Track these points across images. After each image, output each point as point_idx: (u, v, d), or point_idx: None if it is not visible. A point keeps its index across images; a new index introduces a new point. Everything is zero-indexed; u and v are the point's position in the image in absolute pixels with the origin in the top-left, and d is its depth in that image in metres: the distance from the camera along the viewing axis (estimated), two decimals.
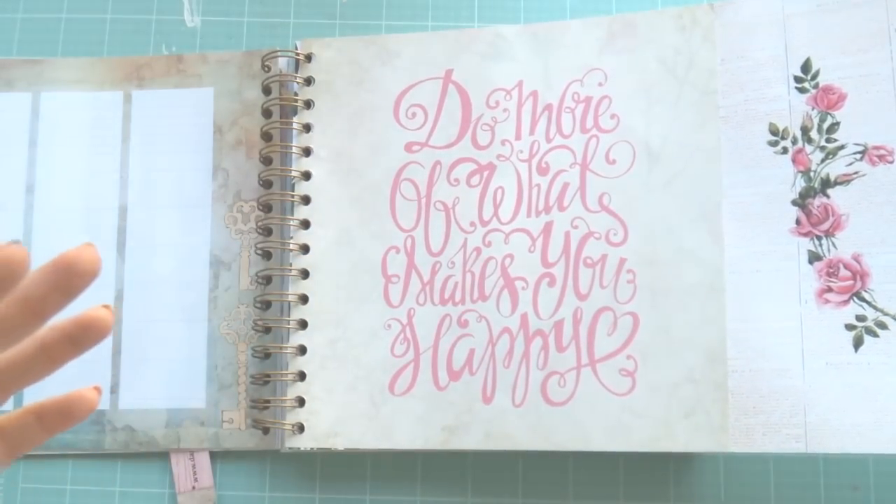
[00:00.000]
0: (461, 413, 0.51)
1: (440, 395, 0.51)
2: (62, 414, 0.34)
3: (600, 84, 0.53)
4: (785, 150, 0.49)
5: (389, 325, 0.52)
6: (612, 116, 0.52)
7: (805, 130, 0.49)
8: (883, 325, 0.47)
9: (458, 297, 0.52)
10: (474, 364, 0.51)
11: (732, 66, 0.51)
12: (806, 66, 0.50)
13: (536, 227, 0.52)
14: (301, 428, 0.52)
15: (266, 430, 0.54)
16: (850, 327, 0.47)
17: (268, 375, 0.53)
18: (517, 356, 0.51)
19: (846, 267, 0.48)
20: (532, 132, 0.53)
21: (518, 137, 0.53)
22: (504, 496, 0.54)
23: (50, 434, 0.34)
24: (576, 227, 0.51)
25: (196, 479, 0.54)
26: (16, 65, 0.58)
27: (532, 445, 0.50)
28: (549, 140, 0.53)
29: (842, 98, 0.49)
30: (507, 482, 0.54)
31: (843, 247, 0.48)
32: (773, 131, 0.50)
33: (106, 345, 0.55)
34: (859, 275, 0.47)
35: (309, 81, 0.55)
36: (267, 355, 0.54)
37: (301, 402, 0.52)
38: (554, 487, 0.54)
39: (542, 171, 0.52)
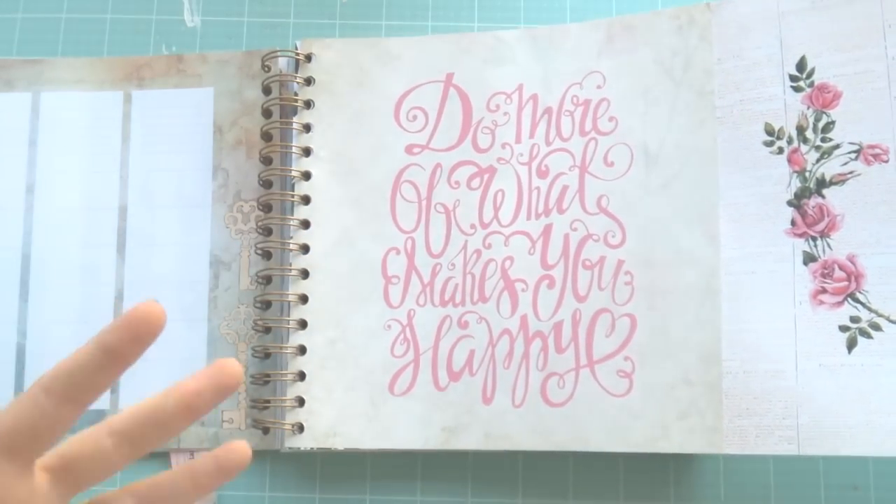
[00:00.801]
0: (461, 414, 0.51)
1: (440, 396, 0.52)
2: (217, 467, 0.34)
3: (599, 87, 0.53)
4: (780, 151, 0.49)
5: (389, 326, 0.53)
6: (611, 119, 0.52)
7: (800, 130, 0.49)
8: (877, 327, 0.47)
9: (458, 298, 0.52)
10: (474, 365, 0.51)
11: (728, 66, 0.51)
12: (801, 65, 0.49)
13: (536, 230, 0.52)
14: (301, 428, 0.52)
15: (266, 430, 0.54)
16: (844, 329, 0.47)
17: (268, 375, 0.53)
18: (517, 357, 0.51)
19: (841, 268, 0.48)
20: (532, 135, 0.53)
21: (518, 140, 0.53)
22: (504, 496, 0.54)
23: (201, 493, 0.34)
24: (575, 230, 0.52)
25: None
26: (16, 65, 0.58)
27: (531, 446, 0.50)
28: (548, 143, 0.53)
29: (837, 96, 0.49)
30: (507, 482, 0.54)
31: (837, 248, 0.48)
32: (769, 131, 0.50)
33: None
34: (854, 276, 0.47)
35: (309, 81, 0.55)
36: (267, 355, 0.54)
37: (301, 402, 0.52)
38: (554, 487, 0.54)
39: (542, 173, 0.53)
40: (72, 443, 0.32)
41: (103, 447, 0.32)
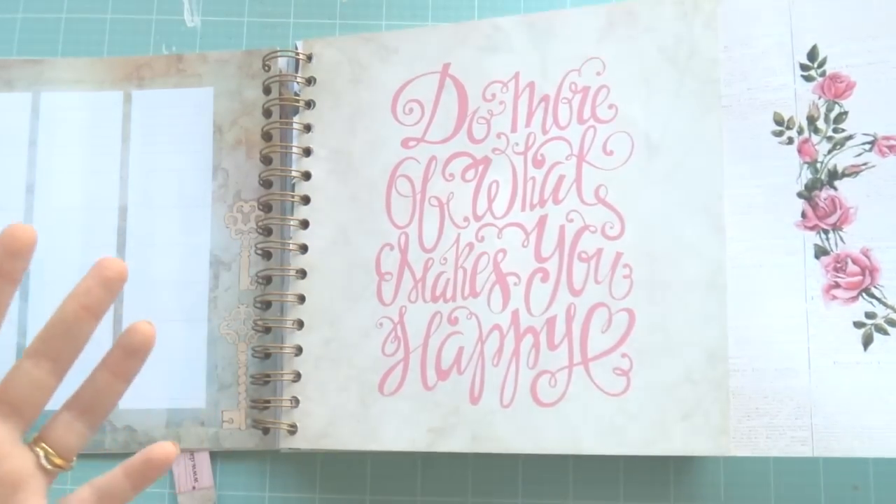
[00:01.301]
0: (448, 414, 0.49)
1: (427, 396, 0.50)
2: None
3: (598, 73, 0.51)
4: (790, 141, 0.47)
5: (381, 324, 0.51)
6: (611, 106, 0.50)
7: (811, 120, 0.47)
8: (893, 323, 0.45)
9: (449, 293, 0.51)
10: (462, 363, 0.50)
11: (735, 54, 0.49)
12: (812, 54, 0.48)
13: (530, 221, 0.51)
14: (295, 428, 0.51)
15: (266, 430, 0.53)
16: (858, 325, 0.45)
17: (268, 375, 0.53)
18: (506, 354, 0.49)
19: (854, 262, 0.46)
20: (528, 124, 0.51)
21: (514, 130, 0.52)
22: (504, 496, 0.53)
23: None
24: (571, 221, 0.50)
25: (196, 479, 0.54)
26: (16, 65, 0.59)
27: (520, 448, 0.48)
28: (545, 132, 0.51)
29: (850, 87, 0.47)
30: (507, 482, 0.54)
31: (851, 241, 0.46)
32: (778, 121, 0.48)
33: (106, 345, 0.55)
34: (868, 270, 0.45)
35: (310, 81, 0.55)
36: (267, 355, 0.54)
37: (297, 402, 0.52)
38: (554, 487, 0.53)
39: (538, 163, 0.51)
40: None
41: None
